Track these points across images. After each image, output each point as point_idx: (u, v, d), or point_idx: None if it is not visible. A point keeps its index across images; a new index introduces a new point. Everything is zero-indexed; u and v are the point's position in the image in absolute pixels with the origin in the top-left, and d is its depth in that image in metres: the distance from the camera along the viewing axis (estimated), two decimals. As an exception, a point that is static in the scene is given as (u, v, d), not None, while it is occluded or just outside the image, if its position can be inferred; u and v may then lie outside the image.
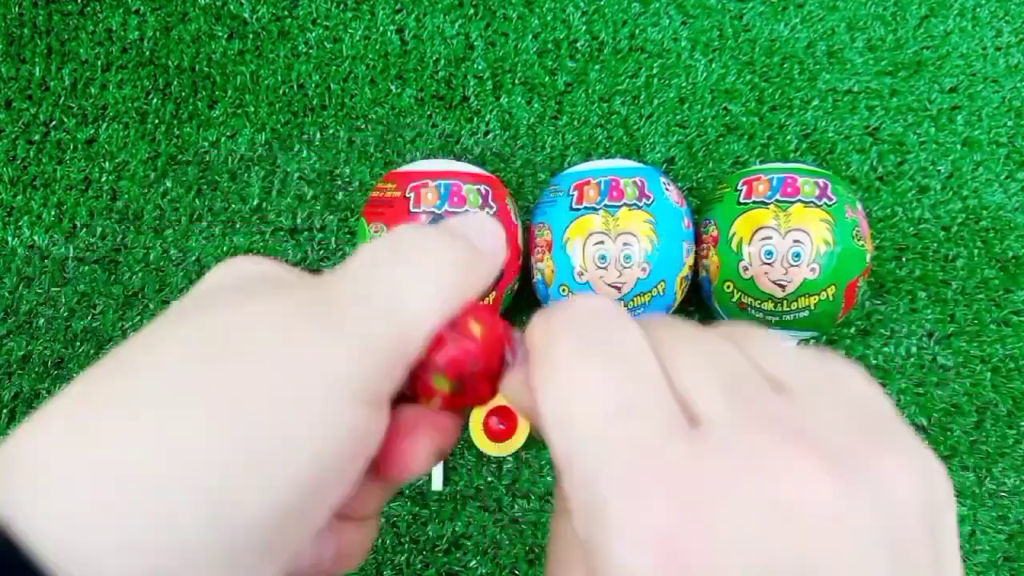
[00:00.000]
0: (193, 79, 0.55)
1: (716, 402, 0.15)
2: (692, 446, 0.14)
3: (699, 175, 0.55)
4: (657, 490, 0.14)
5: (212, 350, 0.15)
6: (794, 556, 0.13)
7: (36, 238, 0.53)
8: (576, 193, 0.47)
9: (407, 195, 0.46)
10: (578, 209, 0.46)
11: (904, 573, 0.13)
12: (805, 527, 0.13)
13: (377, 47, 0.56)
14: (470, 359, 0.17)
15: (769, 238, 0.45)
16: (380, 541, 0.50)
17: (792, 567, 0.13)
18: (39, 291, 0.53)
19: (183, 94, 0.55)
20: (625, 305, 0.46)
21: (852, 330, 0.53)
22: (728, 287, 0.46)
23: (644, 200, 0.46)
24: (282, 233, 0.54)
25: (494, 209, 0.47)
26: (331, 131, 0.55)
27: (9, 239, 0.53)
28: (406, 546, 0.50)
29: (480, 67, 0.56)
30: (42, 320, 0.53)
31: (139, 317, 0.53)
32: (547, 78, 0.56)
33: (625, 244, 0.45)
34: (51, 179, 0.54)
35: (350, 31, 0.56)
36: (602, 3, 0.57)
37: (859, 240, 0.45)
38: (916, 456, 0.15)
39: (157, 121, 0.55)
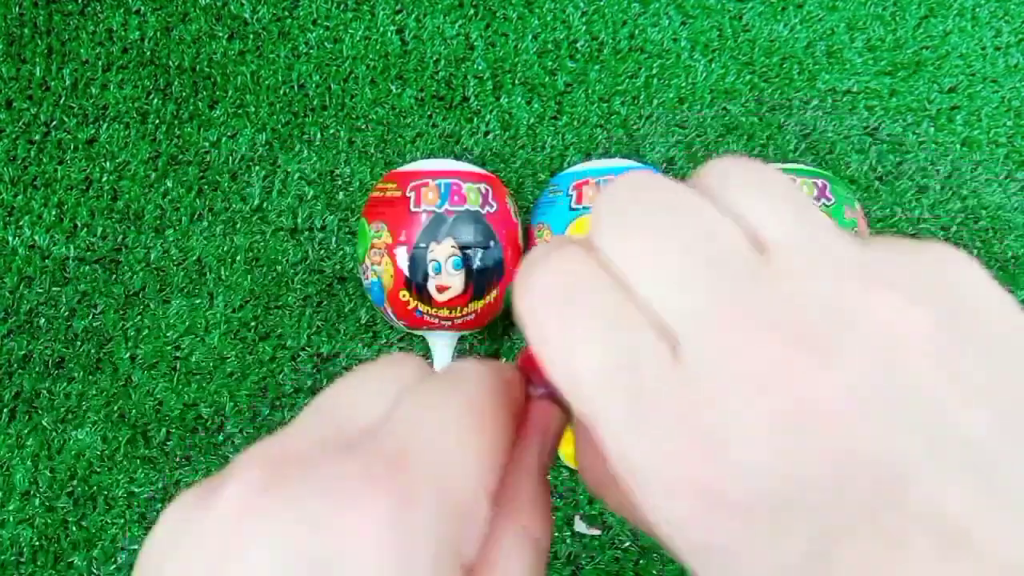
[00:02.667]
0: (194, 79, 0.56)
1: (686, 310, 0.14)
2: (681, 371, 0.14)
3: (699, 175, 0.55)
4: (667, 436, 0.13)
5: None
6: (817, 452, 0.12)
7: (37, 238, 0.54)
8: (575, 193, 0.47)
9: (407, 194, 0.46)
10: (577, 209, 0.46)
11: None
12: (819, 419, 0.13)
13: (377, 47, 0.56)
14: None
15: (768, 238, 0.45)
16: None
17: (817, 462, 0.12)
18: (40, 291, 0.53)
19: (184, 94, 0.55)
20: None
21: (851, 330, 0.53)
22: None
23: (643, 200, 0.46)
24: (283, 233, 0.54)
25: (494, 208, 0.47)
26: (331, 131, 0.55)
27: (10, 239, 0.54)
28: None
29: (480, 67, 0.56)
30: (43, 320, 0.53)
31: (140, 317, 0.53)
32: (547, 78, 0.56)
33: (625, 244, 0.45)
34: (52, 179, 0.54)
35: (350, 31, 0.56)
36: (602, 3, 0.57)
37: (858, 240, 0.45)
38: (917, 289, 0.14)
39: (158, 121, 0.55)
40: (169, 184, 0.54)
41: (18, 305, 0.53)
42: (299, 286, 0.53)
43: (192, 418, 0.52)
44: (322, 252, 0.54)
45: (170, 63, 0.56)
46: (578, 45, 0.56)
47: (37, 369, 0.52)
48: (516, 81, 0.56)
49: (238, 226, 0.54)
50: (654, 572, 0.49)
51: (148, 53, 0.56)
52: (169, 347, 0.53)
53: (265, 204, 0.54)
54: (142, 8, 0.56)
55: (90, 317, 0.53)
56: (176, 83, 0.55)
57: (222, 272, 0.53)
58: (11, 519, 0.50)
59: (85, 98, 0.55)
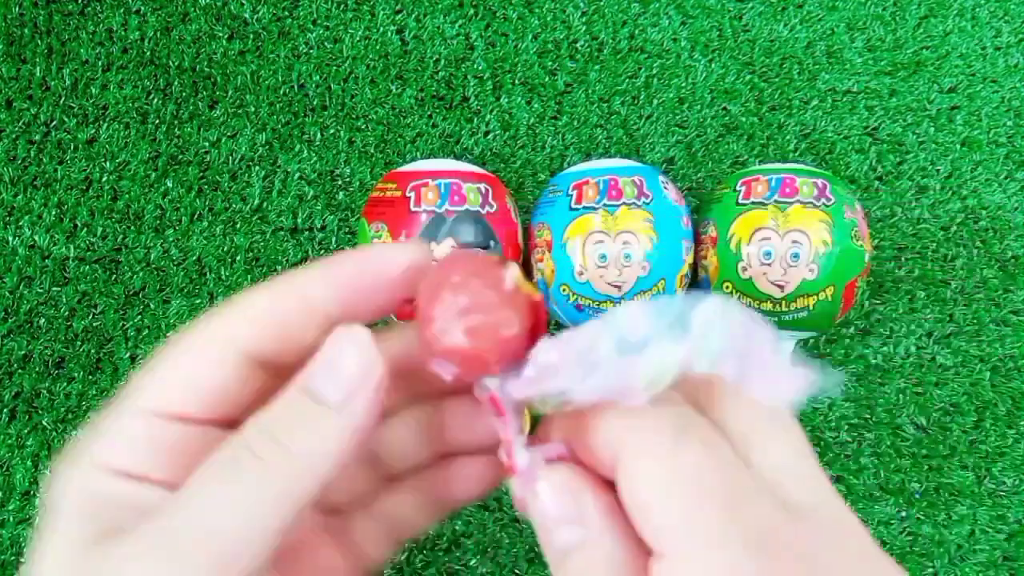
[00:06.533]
0: (194, 79, 0.56)
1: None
2: None
3: (698, 175, 0.55)
4: None
5: None
6: None
7: (37, 238, 0.54)
8: (575, 193, 0.47)
9: (407, 194, 0.46)
10: (577, 209, 0.46)
11: None
12: None
13: (377, 47, 0.56)
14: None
15: (768, 239, 0.45)
16: (380, 540, 0.50)
17: None
18: (40, 291, 0.53)
19: (184, 94, 0.55)
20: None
21: (851, 330, 0.53)
22: (727, 287, 0.46)
23: (643, 199, 0.46)
24: (282, 233, 0.54)
25: (494, 208, 0.47)
26: (331, 131, 0.55)
27: (10, 239, 0.54)
28: (406, 544, 0.50)
29: (480, 67, 0.56)
30: (43, 320, 0.53)
31: (140, 317, 0.53)
32: (547, 78, 0.56)
33: (625, 243, 0.45)
34: (52, 179, 0.54)
35: (350, 31, 0.56)
36: (602, 3, 0.57)
37: (857, 240, 0.45)
38: None
39: (158, 121, 0.55)
40: (169, 184, 0.54)
41: (18, 305, 0.53)
42: (299, 286, 0.53)
43: (192, 418, 0.52)
44: (322, 252, 0.54)
45: (170, 63, 0.56)
46: (578, 45, 0.56)
47: (37, 369, 0.52)
48: (516, 81, 0.56)
49: (238, 226, 0.54)
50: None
51: (148, 53, 0.56)
52: (169, 347, 0.53)
53: (265, 204, 0.54)
54: (142, 8, 0.56)
55: (90, 317, 0.53)
56: (176, 83, 0.55)
57: (222, 272, 0.53)
58: (11, 519, 0.50)
59: (85, 98, 0.55)
